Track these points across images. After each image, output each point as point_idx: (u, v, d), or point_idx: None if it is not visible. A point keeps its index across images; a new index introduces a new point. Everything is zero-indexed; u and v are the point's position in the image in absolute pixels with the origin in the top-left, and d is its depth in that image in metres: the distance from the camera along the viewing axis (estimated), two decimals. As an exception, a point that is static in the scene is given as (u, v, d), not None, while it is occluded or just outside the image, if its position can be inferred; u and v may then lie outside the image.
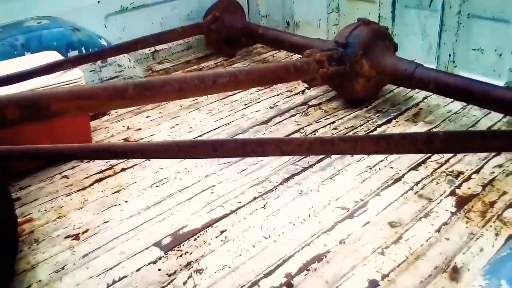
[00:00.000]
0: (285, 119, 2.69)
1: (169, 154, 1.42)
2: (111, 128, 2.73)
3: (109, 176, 2.27)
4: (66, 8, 3.12)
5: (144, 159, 2.35)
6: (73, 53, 2.83)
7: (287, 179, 2.15)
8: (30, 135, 2.04)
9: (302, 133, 2.54)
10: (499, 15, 2.56)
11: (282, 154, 1.53)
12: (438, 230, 1.77)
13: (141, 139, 2.60)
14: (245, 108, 2.86)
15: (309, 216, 1.91)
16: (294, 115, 2.74)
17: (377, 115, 2.66)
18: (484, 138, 1.59)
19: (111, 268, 1.71)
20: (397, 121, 2.58)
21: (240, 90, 3.02)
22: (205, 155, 1.45)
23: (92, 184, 2.21)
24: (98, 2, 3.31)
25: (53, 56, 2.58)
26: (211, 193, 2.10)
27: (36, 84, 2.24)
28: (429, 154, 2.21)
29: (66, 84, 2.29)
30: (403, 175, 2.11)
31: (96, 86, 1.84)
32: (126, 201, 2.08)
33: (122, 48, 2.96)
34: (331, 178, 2.13)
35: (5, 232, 1.60)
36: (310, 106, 2.82)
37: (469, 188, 1.99)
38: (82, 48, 2.89)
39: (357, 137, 1.74)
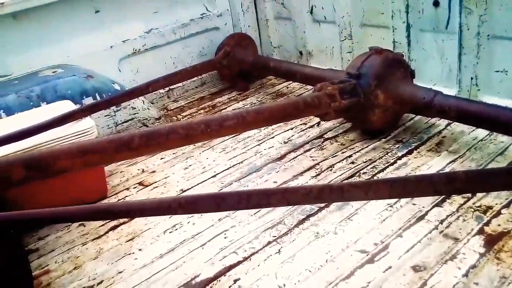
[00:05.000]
0: (299, 155, 2.62)
1: (170, 211, 1.37)
2: (126, 171, 2.73)
3: (124, 223, 2.24)
4: (80, 55, 3.20)
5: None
6: (87, 100, 2.86)
7: (303, 221, 2.06)
8: (40, 188, 2.03)
9: (317, 169, 2.45)
10: (522, 34, 2.43)
11: (288, 205, 1.45)
12: (466, 275, 1.64)
13: (155, 182, 2.58)
14: (258, 145, 2.80)
15: (326, 261, 1.81)
16: (309, 149, 2.65)
17: (397, 146, 2.55)
18: (510, 176, 1.48)
19: (126, 324, 1.68)
20: (418, 152, 2.45)
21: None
22: (207, 211, 1.39)
23: (107, 232, 2.20)
24: (111, 47, 3.35)
25: (66, 106, 2.61)
26: (224, 238, 2.04)
27: (46, 138, 2.26)
28: (453, 188, 2.08)
29: (76, 135, 2.29)
30: (426, 212, 1.99)
31: (102, 139, 1.82)
32: (140, 249, 2.05)
33: (134, 92, 2.97)
34: (349, 218, 2.03)
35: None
36: (326, 139, 2.74)
37: (498, 225, 1.85)
38: (96, 94, 2.91)
39: (369, 182, 1.65)
